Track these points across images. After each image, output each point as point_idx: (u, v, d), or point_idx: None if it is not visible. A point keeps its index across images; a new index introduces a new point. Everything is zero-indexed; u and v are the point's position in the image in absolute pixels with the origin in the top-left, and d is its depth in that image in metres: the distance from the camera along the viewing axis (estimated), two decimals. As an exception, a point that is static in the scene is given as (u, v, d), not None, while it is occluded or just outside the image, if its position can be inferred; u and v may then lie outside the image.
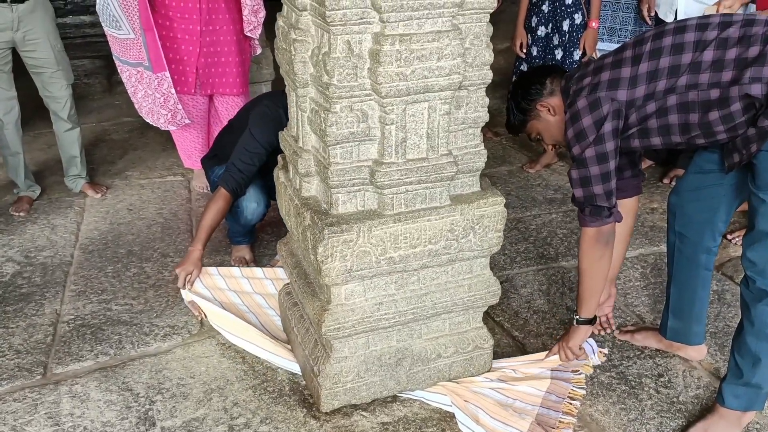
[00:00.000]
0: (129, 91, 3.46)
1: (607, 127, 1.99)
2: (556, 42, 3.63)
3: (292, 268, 2.36)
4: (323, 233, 1.94)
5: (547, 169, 4.01)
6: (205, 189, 3.82)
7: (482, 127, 4.41)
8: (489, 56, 1.95)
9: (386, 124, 1.89)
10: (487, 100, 2.02)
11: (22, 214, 3.58)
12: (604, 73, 2.03)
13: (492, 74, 1.99)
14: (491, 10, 1.91)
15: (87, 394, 2.35)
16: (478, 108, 2.00)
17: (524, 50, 3.76)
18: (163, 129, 3.50)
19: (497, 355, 2.49)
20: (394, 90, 1.83)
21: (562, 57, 3.64)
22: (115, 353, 2.57)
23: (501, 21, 6.76)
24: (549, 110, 2.21)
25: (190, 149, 3.80)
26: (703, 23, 1.97)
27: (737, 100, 1.89)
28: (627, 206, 2.31)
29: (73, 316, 2.78)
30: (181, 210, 3.65)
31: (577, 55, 3.62)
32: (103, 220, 3.55)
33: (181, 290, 2.80)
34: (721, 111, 1.92)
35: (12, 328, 2.71)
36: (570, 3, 3.55)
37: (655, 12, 3.64)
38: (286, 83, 2.14)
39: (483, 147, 2.07)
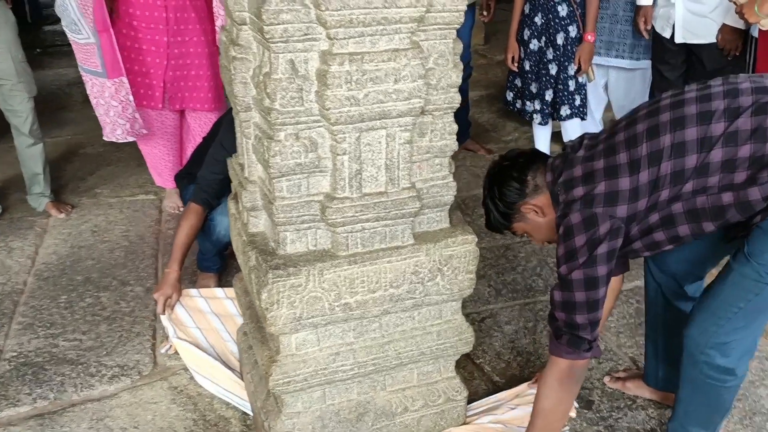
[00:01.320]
0: (92, 103, 3.24)
1: (603, 248, 1.67)
2: (550, 56, 3.39)
3: (245, 308, 2.13)
4: (267, 277, 1.70)
5: (540, 191, 3.76)
6: (177, 209, 3.60)
7: (474, 143, 4.28)
8: (456, 78, 1.72)
9: (338, 155, 1.66)
10: (455, 126, 1.78)
11: (-21, 235, 3.37)
12: (599, 183, 1.69)
13: (460, 97, 1.76)
14: (458, 26, 1.68)
15: (18, 446, 2.13)
16: (445, 135, 1.77)
17: (516, 64, 3.52)
18: (121, 141, 3.25)
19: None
20: (345, 116, 1.60)
21: (556, 72, 3.40)
22: (56, 397, 2.34)
23: (499, 32, 6.56)
24: (536, 212, 1.85)
25: (161, 167, 3.58)
26: (705, 111, 1.63)
27: (761, 202, 1.61)
28: (610, 285, 1.88)
29: (16, 353, 2.55)
30: (149, 233, 3.43)
31: (571, 69, 3.38)
32: (64, 243, 3.33)
33: (161, 316, 2.61)
34: (744, 212, 1.64)
35: (-52, 365, 2.49)
36: (564, 15, 3.32)
37: (652, 26, 3.41)
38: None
39: (452, 179, 1.83)
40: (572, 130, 3.56)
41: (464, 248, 1.86)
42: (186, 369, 2.46)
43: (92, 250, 3.26)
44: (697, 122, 1.63)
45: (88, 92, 3.24)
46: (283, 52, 1.56)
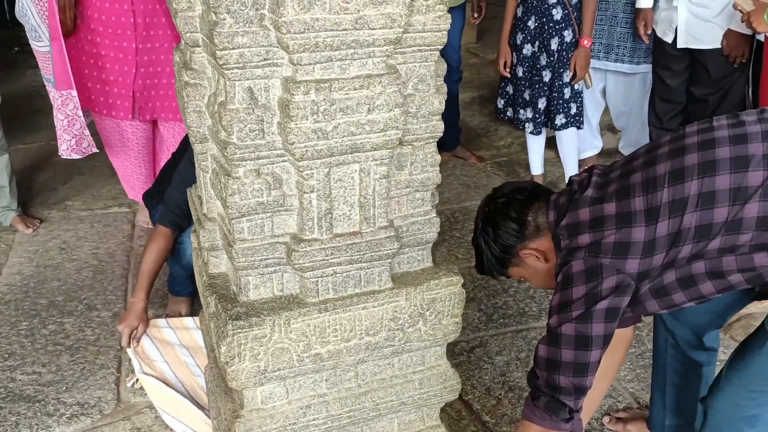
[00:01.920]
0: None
1: (602, 305, 1.43)
2: (543, 62, 3.20)
3: (209, 350, 1.94)
4: (227, 328, 1.52)
5: (534, 203, 3.57)
6: (150, 224, 3.40)
7: (465, 151, 4.08)
8: (439, 104, 1.53)
9: (305, 192, 1.47)
10: (438, 157, 1.59)
11: (-61, 253, 3.18)
12: (609, 232, 1.45)
13: (443, 126, 1.57)
14: (440, 47, 1.49)
15: (-38, 500, 1.95)
16: (426, 168, 1.58)
17: (508, 69, 3.33)
18: (64, 157, 3.02)
19: (463, 447, 2.08)
20: (311, 151, 1.41)
21: (550, 79, 3.21)
22: (9, 440, 2.17)
23: (492, 29, 6.35)
24: (537, 257, 1.63)
25: (133, 180, 3.39)
26: (741, 156, 1.39)
27: None
28: (619, 336, 1.69)
29: (-31, 389, 2.37)
30: (120, 250, 3.24)
31: (567, 76, 3.19)
32: (30, 262, 3.14)
33: (127, 350, 2.43)
34: None
35: None
36: (559, 19, 3.12)
37: (653, 30, 3.22)
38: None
39: (435, 214, 1.65)
40: (568, 139, 3.38)
41: (448, 290, 1.67)
42: (151, 407, 2.29)
43: (59, 270, 3.07)
44: (730, 168, 1.40)
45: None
46: (240, 80, 1.37)
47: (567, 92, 3.21)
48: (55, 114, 2.91)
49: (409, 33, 1.42)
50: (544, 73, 3.20)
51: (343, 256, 1.54)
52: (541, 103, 3.26)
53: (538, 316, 2.72)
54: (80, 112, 2.86)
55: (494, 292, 2.86)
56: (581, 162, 3.88)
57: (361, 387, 1.73)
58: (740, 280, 1.48)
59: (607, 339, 1.49)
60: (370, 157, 1.47)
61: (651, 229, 1.43)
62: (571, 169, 3.46)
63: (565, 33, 3.13)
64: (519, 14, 3.23)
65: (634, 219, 1.45)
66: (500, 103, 3.48)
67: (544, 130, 3.39)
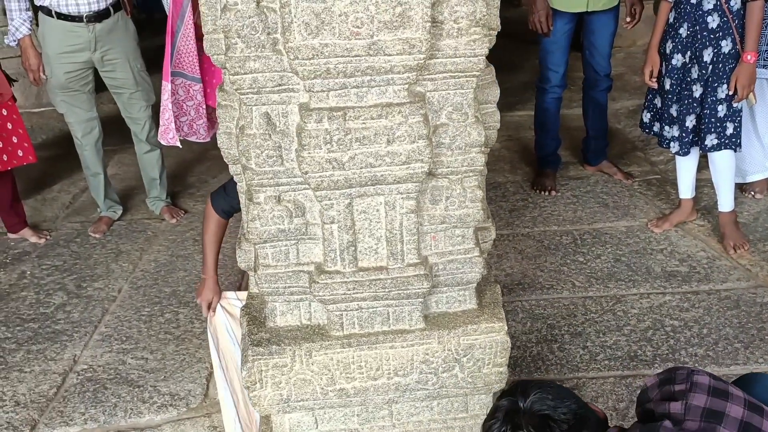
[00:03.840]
0: None
1: None
2: (694, 75, 2.82)
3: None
4: (247, 353, 1.50)
5: (678, 230, 3.20)
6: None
7: (611, 166, 3.74)
8: (477, 135, 1.38)
9: (326, 223, 1.40)
10: (479, 193, 1.44)
11: (97, 236, 3.52)
12: None
13: (483, 159, 1.42)
14: (477, 73, 1.34)
15: (52, 471, 2.14)
16: (465, 203, 1.44)
17: (654, 79, 2.98)
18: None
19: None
20: (327, 181, 1.34)
21: (701, 94, 2.83)
22: (105, 421, 2.34)
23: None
24: None
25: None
26: None
27: None
28: None
29: (86, 366, 2.60)
30: (246, 245, 3.38)
31: (722, 92, 2.78)
32: (166, 251, 3.38)
33: (207, 330, 2.55)
34: None
35: (26, 372, 2.59)
36: (714, 27, 2.73)
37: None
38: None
39: (478, 253, 1.50)
40: (722, 162, 2.96)
41: (489, 338, 1.52)
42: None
43: (187, 261, 3.27)
44: None
45: None
46: (256, 104, 1.33)
47: (721, 110, 2.81)
48: None
49: (437, 58, 1.30)
50: (694, 87, 2.82)
51: (367, 291, 1.45)
52: (690, 121, 2.88)
53: (651, 362, 2.41)
54: (170, 104, 2.94)
55: (606, 328, 2.59)
56: (747, 186, 3.41)
57: (395, 427, 1.64)
58: None
59: None
60: (394, 190, 1.37)
61: None
62: (725, 196, 3.03)
63: (723, 43, 2.73)
64: (670, 20, 2.88)
65: None
66: (646, 116, 3.13)
67: (693, 151, 3.00)
